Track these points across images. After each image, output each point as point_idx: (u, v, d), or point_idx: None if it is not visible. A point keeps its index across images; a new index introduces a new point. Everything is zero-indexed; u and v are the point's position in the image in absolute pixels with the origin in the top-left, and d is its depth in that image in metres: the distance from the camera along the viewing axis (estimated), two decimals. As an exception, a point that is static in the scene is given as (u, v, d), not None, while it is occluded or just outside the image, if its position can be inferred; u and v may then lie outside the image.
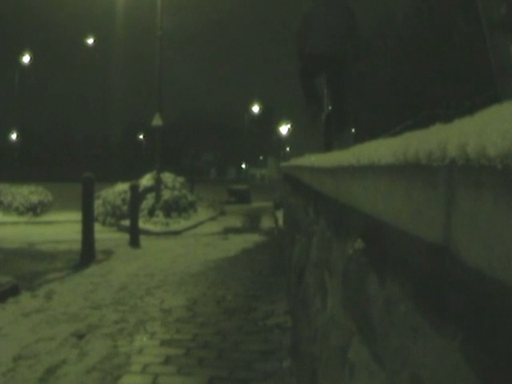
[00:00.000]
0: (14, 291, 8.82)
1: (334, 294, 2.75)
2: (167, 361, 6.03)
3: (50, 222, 22.00)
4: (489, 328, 0.87)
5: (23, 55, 58.94)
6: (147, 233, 17.93)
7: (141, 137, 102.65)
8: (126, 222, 17.82)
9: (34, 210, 23.30)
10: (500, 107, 0.96)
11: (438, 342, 1.10)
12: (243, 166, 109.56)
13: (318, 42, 8.53)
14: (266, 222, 23.96)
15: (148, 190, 22.01)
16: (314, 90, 9.16)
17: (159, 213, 21.01)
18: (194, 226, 21.33)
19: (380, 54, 30.80)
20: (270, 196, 35.63)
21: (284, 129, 77.83)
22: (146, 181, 22.80)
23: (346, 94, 9.35)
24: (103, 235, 16.03)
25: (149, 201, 21.51)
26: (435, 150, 1.04)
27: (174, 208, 21.73)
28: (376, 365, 1.68)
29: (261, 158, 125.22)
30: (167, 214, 21.15)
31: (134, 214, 15.74)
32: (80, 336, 6.80)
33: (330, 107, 9.47)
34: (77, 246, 12.73)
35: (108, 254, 13.42)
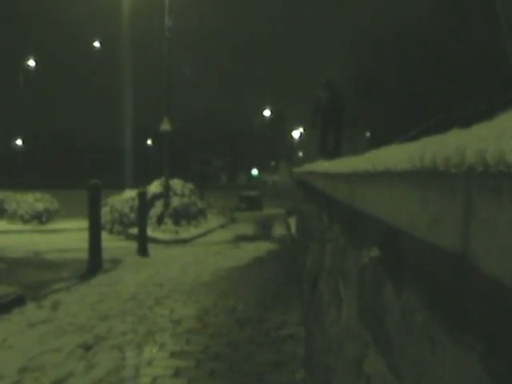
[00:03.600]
0: (19, 301, 8.78)
1: (348, 304, 2.75)
2: (177, 373, 5.95)
3: (56, 230, 22.08)
4: (509, 339, 0.86)
5: (28, 59, 59.24)
6: (156, 241, 17.91)
7: (149, 142, 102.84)
8: (134, 230, 17.75)
9: (40, 217, 23.35)
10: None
11: (456, 353, 1.08)
12: (255, 171, 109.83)
13: (326, 112, 14.62)
14: (279, 230, 23.90)
15: (156, 197, 22.00)
16: (325, 143, 15.00)
17: (168, 220, 20.97)
18: (204, 234, 21.28)
19: (395, 54, 30.81)
20: (282, 202, 35.58)
21: (296, 133, 77.89)
22: (155, 187, 22.78)
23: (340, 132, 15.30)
24: (111, 244, 16.01)
25: (157, 208, 21.50)
26: (453, 155, 1.01)
27: (183, 215, 21.70)
28: (393, 377, 1.66)
29: (272, 163, 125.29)
30: (176, 222, 21.11)
31: (142, 222, 15.68)
32: (87, 348, 6.74)
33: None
34: (83, 255, 12.69)
35: (116, 262, 13.39)
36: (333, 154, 13.24)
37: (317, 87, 15.79)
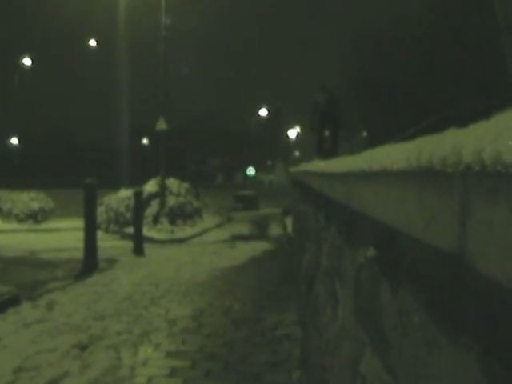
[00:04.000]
0: (14, 301, 8.74)
1: (345, 304, 2.77)
2: (172, 373, 5.93)
3: (51, 230, 21.98)
4: (506, 339, 0.86)
5: (24, 58, 59.01)
6: (151, 240, 17.83)
7: (145, 141, 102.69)
8: (130, 230, 17.71)
9: (35, 217, 23.24)
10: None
11: (453, 353, 1.08)
12: (251, 171, 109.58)
13: (324, 113, 15.35)
14: (275, 229, 23.77)
15: (152, 196, 21.92)
16: (322, 142, 15.78)
17: (164, 220, 20.91)
18: (200, 234, 21.20)
19: (393, 54, 30.76)
20: (278, 202, 35.51)
21: (292, 132, 77.65)
22: (151, 187, 22.71)
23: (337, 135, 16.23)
24: (106, 243, 15.94)
25: (153, 207, 21.44)
26: (450, 155, 1.02)
27: (179, 215, 21.64)
28: (389, 377, 1.66)
29: (269, 162, 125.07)
30: (172, 221, 21.05)
31: (137, 221, 15.64)
32: (82, 347, 6.72)
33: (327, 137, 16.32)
34: (79, 255, 12.64)
35: (111, 262, 13.33)
36: (329, 153, 13.50)
37: (314, 88, 16.65)
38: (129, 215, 20.36)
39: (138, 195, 15.85)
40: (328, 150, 14.89)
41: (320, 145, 15.77)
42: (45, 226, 22.89)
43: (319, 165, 4.74)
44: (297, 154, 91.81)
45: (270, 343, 7.00)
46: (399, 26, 31.22)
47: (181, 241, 18.91)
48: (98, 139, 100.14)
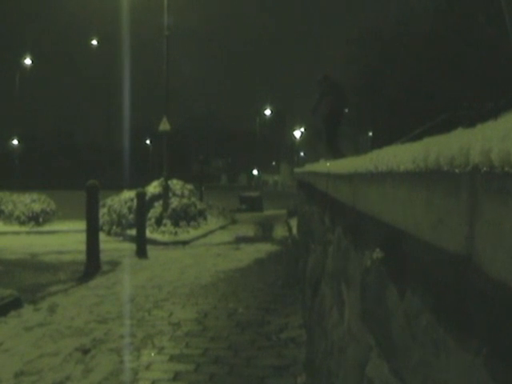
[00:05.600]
0: (16, 304, 8.72)
1: (351, 307, 2.77)
2: (176, 377, 5.89)
3: (53, 232, 22.02)
4: None
5: (24, 58, 59.06)
6: (155, 242, 17.86)
7: (148, 142, 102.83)
8: (133, 232, 17.72)
9: (36, 219, 23.23)
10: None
11: (461, 356, 1.07)
12: (255, 172, 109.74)
13: (329, 106, 13.68)
14: (280, 231, 23.78)
15: (155, 197, 21.92)
16: (334, 141, 14.31)
17: (167, 221, 20.88)
18: (204, 236, 21.22)
19: (398, 53, 30.73)
20: (283, 203, 35.54)
21: (297, 133, 77.77)
22: (154, 188, 22.70)
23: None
24: (109, 245, 15.96)
25: (156, 209, 21.42)
26: (457, 155, 1.03)
27: (182, 216, 21.60)
28: (396, 381, 1.65)
29: (273, 163, 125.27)
30: (175, 223, 21.01)
31: (140, 223, 15.64)
32: (85, 351, 6.68)
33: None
34: (81, 257, 12.67)
35: (114, 264, 13.35)
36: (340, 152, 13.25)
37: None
38: (131, 217, 20.35)
39: (140, 197, 15.85)
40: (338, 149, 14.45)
41: (333, 145, 14.54)
42: (47, 228, 22.90)
43: (325, 165, 4.72)
44: (301, 154, 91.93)
45: (275, 346, 6.95)
46: (404, 26, 31.23)
47: (184, 243, 18.91)
48: (99, 140, 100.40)
